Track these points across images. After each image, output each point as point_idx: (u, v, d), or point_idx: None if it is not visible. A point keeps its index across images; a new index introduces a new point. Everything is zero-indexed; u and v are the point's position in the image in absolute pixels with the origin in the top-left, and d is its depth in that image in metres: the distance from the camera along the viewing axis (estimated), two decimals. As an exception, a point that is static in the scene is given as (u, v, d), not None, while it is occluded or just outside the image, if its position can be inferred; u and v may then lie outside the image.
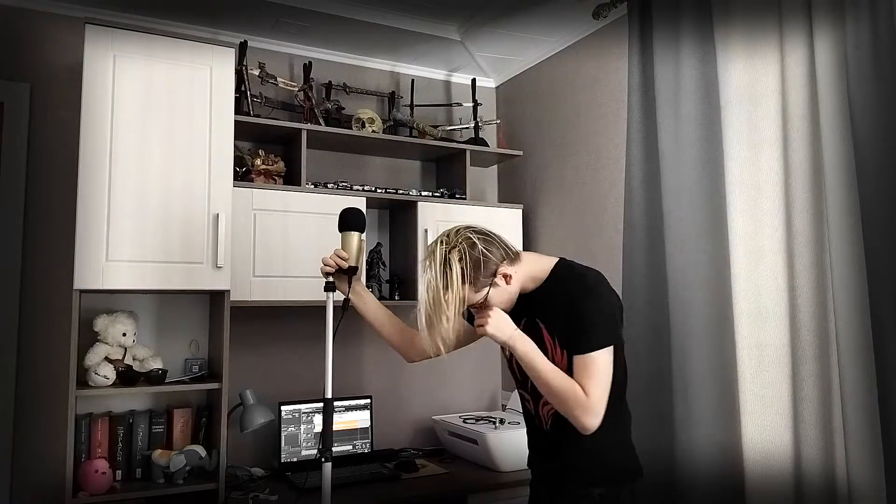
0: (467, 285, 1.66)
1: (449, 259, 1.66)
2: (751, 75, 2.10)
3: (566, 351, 1.70)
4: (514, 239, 3.08)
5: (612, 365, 1.66)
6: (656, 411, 2.25)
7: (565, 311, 1.70)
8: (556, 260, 1.80)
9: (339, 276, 1.90)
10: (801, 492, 1.90)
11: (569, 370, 1.67)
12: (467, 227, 1.74)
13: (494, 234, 1.75)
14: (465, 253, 1.67)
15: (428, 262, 1.70)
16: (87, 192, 2.21)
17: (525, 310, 1.79)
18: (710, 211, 2.14)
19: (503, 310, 1.73)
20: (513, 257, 1.74)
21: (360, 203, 2.72)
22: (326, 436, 1.76)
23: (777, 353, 1.99)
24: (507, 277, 1.72)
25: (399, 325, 2.02)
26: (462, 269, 1.66)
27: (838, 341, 1.79)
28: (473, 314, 1.76)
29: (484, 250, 1.68)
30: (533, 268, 1.78)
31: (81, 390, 2.24)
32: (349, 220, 1.91)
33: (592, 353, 1.64)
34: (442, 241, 1.69)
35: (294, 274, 2.60)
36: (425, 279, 1.69)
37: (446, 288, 1.64)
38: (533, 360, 1.67)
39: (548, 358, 1.69)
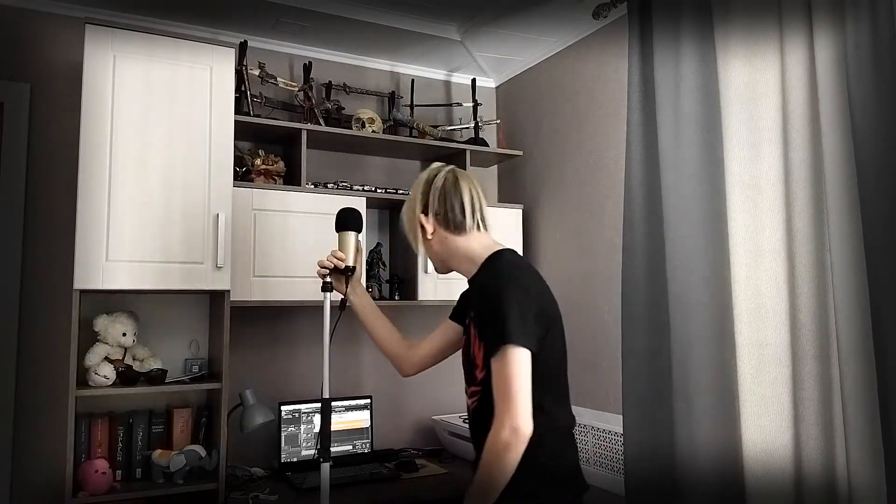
0: (419, 205, 1.77)
1: (422, 175, 1.80)
2: (751, 75, 2.10)
3: (484, 343, 1.60)
4: (514, 239, 3.08)
5: (526, 366, 1.51)
6: (656, 411, 2.25)
7: (480, 299, 1.64)
8: (501, 248, 1.72)
9: (337, 276, 1.90)
10: (801, 491, 1.90)
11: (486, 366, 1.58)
12: (459, 171, 1.79)
13: (460, 191, 1.74)
14: (424, 178, 1.78)
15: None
16: (87, 192, 2.21)
17: (469, 299, 1.77)
18: (710, 211, 2.14)
19: (437, 265, 1.81)
20: (442, 219, 1.73)
21: (360, 203, 2.72)
22: (324, 436, 1.76)
23: (777, 352, 1.99)
24: (423, 229, 1.76)
25: (396, 333, 2.00)
26: (418, 187, 1.79)
27: (839, 341, 1.79)
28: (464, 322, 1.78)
29: (432, 189, 1.75)
30: (472, 247, 1.73)
31: (81, 390, 2.24)
32: (346, 220, 1.91)
33: (500, 351, 1.51)
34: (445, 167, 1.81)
35: (294, 274, 2.60)
36: None
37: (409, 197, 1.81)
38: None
39: (470, 350, 1.67)
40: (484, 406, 1.59)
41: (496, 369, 1.53)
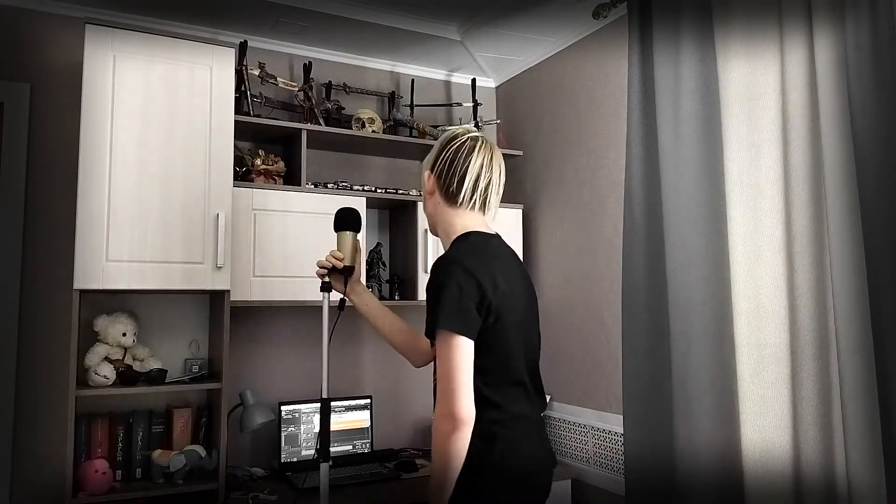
0: (431, 162, 1.72)
1: (449, 132, 1.74)
2: (751, 75, 2.10)
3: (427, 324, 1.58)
4: (515, 239, 3.08)
5: (462, 353, 1.47)
6: (656, 411, 2.25)
7: (429, 279, 1.59)
8: (474, 230, 1.66)
9: (336, 276, 1.90)
10: (800, 491, 1.91)
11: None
12: (485, 142, 1.70)
13: (468, 162, 1.65)
14: (446, 136, 1.72)
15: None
16: (87, 191, 2.21)
17: None
18: (709, 211, 2.14)
19: (429, 224, 1.76)
20: (441, 184, 1.67)
21: (360, 203, 2.72)
22: (324, 436, 1.76)
23: (776, 352, 1.99)
24: (427, 185, 1.72)
25: (402, 326, 1.96)
26: (438, 143, 1.73)
27: (838, 341, 1.79)
28: None
29: (446, 150, 1.69)
30: (454, 223, 1.67)
31: (81, 390, 2.24)
32: (344, 220, 1.91)
33: (437, 337, 1.49)
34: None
35: (294, 274, 2.60)
36: None
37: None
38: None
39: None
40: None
41: (436, 353, 1.51)
